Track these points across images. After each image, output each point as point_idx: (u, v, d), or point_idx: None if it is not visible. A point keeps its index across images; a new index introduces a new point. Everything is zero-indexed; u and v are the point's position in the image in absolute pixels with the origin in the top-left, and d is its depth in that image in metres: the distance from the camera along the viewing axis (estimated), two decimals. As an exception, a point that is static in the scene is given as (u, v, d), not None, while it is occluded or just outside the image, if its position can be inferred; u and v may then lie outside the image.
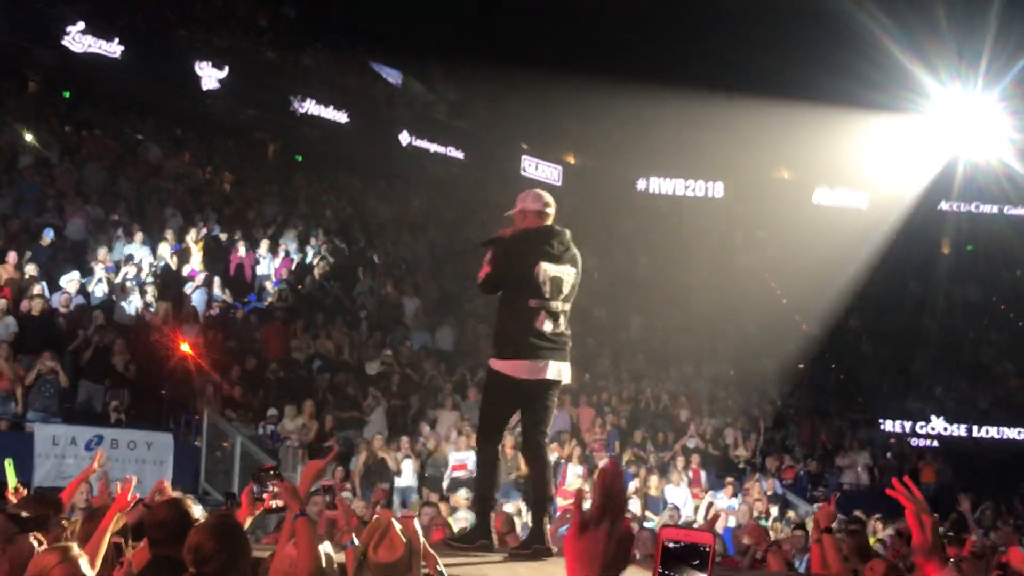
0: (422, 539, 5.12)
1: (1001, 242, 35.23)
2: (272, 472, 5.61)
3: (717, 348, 28.20)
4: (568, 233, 7.18)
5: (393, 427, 19.66)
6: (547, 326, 6.89)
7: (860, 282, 33.67)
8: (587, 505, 2.05)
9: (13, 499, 6.61)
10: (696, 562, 2.05)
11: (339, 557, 5.31)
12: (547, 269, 6.97)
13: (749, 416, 25.42)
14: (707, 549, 2.05)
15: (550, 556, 6.72)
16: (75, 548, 4.77)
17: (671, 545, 2.06)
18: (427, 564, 5.16)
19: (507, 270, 7.05)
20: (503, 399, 7.10)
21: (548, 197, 7.29)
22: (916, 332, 32.35)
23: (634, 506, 18.64)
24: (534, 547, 6.81)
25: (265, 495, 5.63)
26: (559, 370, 6.90)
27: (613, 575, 2.02)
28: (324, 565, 4.88)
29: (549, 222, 7.18)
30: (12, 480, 7.33)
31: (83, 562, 4.74)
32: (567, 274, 7.05)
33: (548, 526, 6.97)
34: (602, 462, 20.47)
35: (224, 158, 27.52)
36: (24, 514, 4.90)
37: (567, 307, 7.05)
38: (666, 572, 2.06)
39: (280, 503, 5.47)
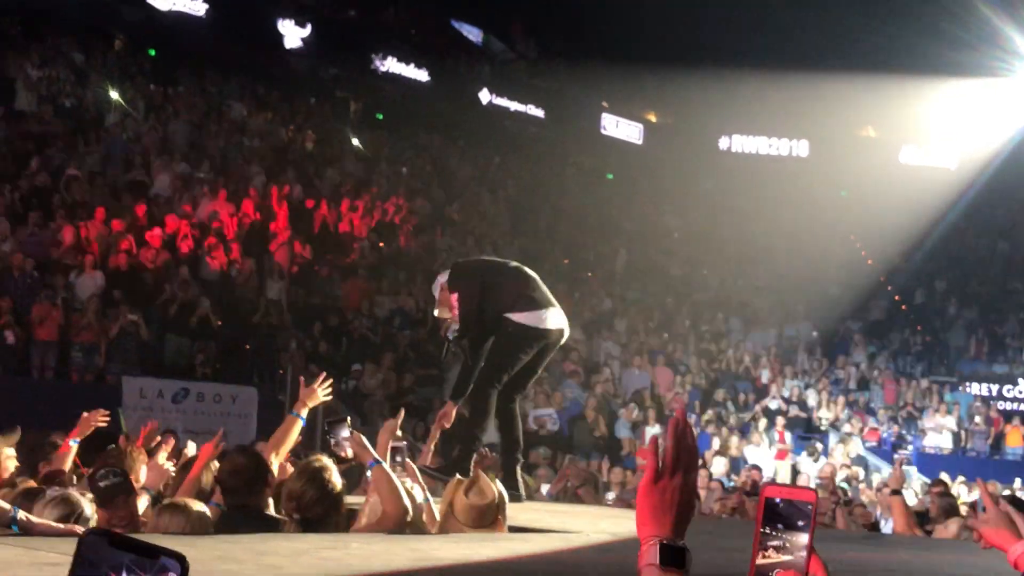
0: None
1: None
2: (341, 422, 5.64)
3: (799, 309, 27.85)
4: None
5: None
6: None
7: (947, 243, 33.06)
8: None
9: (123, 445, 6.75)
10: (800, 523, 1.99)
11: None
12: None
13: (833, 378, 25.16)
14: (810, 508, 1.99)
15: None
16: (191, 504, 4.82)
17: (776, 502, 2.00)
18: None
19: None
20: (521, 349, 7.47)
21: None
22: (1003, 293, 31.67)
23: (719, 465, 18.56)
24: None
25: (342, 443, 5.67)
26: (564, 322, 7.50)
27: (684, 528, 1.99)
28: (412, 511, 4.90)
29: None
30: (124, 427, 7.48)
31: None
32: None
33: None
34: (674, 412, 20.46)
35: (306, 116, 27.67)
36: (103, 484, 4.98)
37: None
38: (768, 531, 2.00)
39: (350, 453, 5.52)
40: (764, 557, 1.98)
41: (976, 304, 30.95)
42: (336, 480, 4.67)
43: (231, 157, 24.04)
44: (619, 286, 26.20)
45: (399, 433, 6.38)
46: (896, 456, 20.78)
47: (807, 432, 22.53)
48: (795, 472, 19.75)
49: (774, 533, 1.99)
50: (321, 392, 6.03)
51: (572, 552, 4.71)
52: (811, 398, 23.66)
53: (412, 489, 5.23)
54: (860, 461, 20.85)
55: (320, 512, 4.56)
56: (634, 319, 24.72)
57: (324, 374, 6.29)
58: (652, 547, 1.96)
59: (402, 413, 6.47)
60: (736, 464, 19.43)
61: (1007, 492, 14.23)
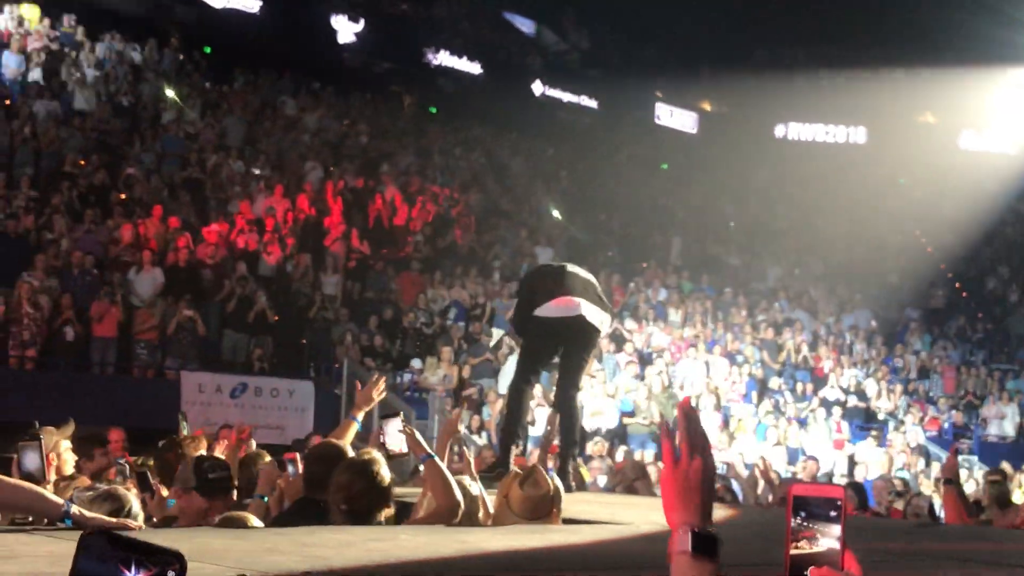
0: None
1: None
2: (394, 416, 5.70)
3: (857, 298, 27.58)
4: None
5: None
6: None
7: (1008, 228, 32.60)
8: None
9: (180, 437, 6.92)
10: (832, 513, 1.99)
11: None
12: None
13: (892, 367, 24.90)
14: (839, 503, 1.99)
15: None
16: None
17: (803, 499, 2.01)
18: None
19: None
20: (538, 341, 8.06)
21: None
22: (1066, 279, 31.21)
23: (778, 456, 18.44)
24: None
25: (385, 439, 5.72)
26: (580, 305, 7.73)
27: (710, 512, 2.00)
28: (464, 501, 4.94)
29: None
30: (186, 431, 7.64)
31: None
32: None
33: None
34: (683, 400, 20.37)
35: (360, 111, 27.83)
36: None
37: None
38: (800, 522, 2.00)
39: (402, 449, 5.58)
40: (796, 548, 1.99)
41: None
42: (385, 473, 4.71)
43: (286, 153, 24.24)
44: (675, 276, 26.08)
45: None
46: (951, 446, 20.58)
47: (866, 422, 22.32)
48: (852, 463, 19.59)
49: (805, 524, 2.00)
50: (376, 394, 6.14)
51: (620, 543, 4.72)
52: (870, 388, 23.43)
53: (466, 482, 5.27)
54: (920, 451, 20.64)
55: (367, 504, 4.61)
56: (690, 309, 24.61)
57: (377, 375, 6.41)
58: (684, 534, 1.96)
59: (461, 409, 6.62)
60: (794, 455, 19.30)
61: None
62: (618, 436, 18.62)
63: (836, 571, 1.96)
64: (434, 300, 21.44)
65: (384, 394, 6.42)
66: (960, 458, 18.39)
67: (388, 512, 4.77)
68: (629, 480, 10.86)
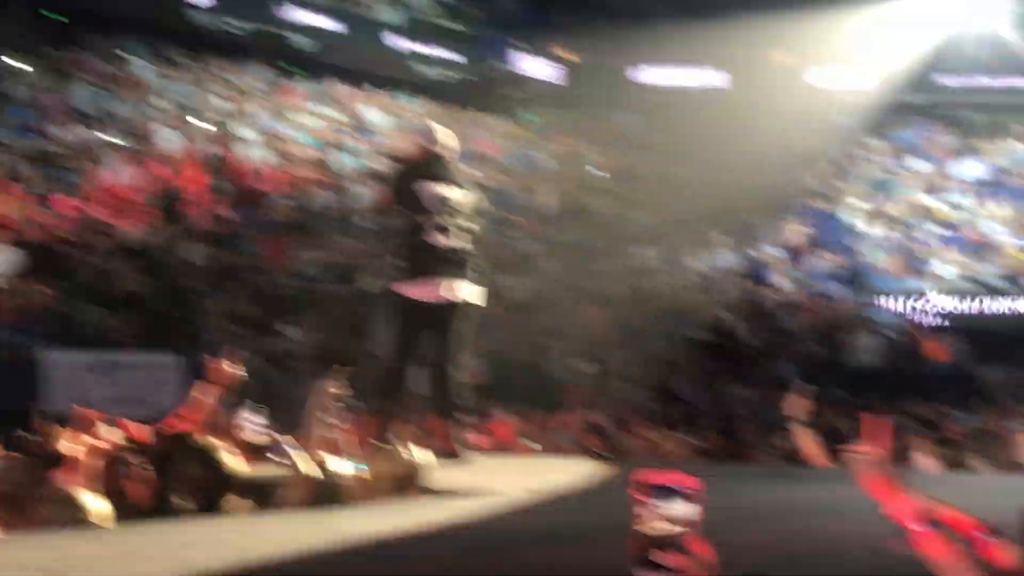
0: None
1: (1001, 115, 34.94)
2: (255, 407, 5.65)
3: (721, 240, 28.13)
4: (456, 164, 7.90)
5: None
6: (434, 239, 7.26)
7: (861, 162, 33.48)
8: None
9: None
10: (682, 499, 2.07)
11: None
12: (430, 187, 7.51)
13: (755, 304, 25.50)
14: (691, 490, 2.07)
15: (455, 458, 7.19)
16: None
17: (655, 484, 2.08)
18: None
19: (395, 195, 7.75)
20: (406, 320, 7.58)
21: (437, 134, 7.91)
22: (918, 210, 32.22)
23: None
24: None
25: (247, 431, 5.67)
26: (455, 288, 7.22)
27: None
28: (324, 488, 4.96)
29: (437, 152, 7.80)
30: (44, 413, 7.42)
31: None
32: (455, 193, 7.59)
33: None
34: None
35: (216, 73, 27.25)
36: None
37: (457, 223, 7.54)
38: (652, 501, 2.08)
39: (260, 439, 5.53)
40: (647, 526, 2.06)
41: (891, 222, 31.47)
42: (228, 460, 4.69)
43: (142, 120, 23.66)
44: (544, 227, 26.25)
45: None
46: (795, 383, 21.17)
47: (735, 361, 22.88)
48: (721, 402, 20.06)
49: (657, 504, 2.07)
50: (233, 371, 6.05)
51: (489, 518, 4.79)
52: (736, 326, 24.01)
53: (328, 461, 5.27)
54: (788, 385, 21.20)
55: (214, 492, 4.58)
56: (561, 259, 24.83)
57: (236, 352, 6.34)
58: None
59: (333, 377, 6.57)
60: (666, 398, 19.72)
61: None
62: (491, 393, 18.73)
63: (683, 554, 2.04)
64: (302, 262, 21.22)
65: (244, 373, 6.31)
66: (826, 390, 18.92)
67: (237, 497, 4.73)
68: (505, 442, 11.00)
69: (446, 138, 7.87)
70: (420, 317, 7.47)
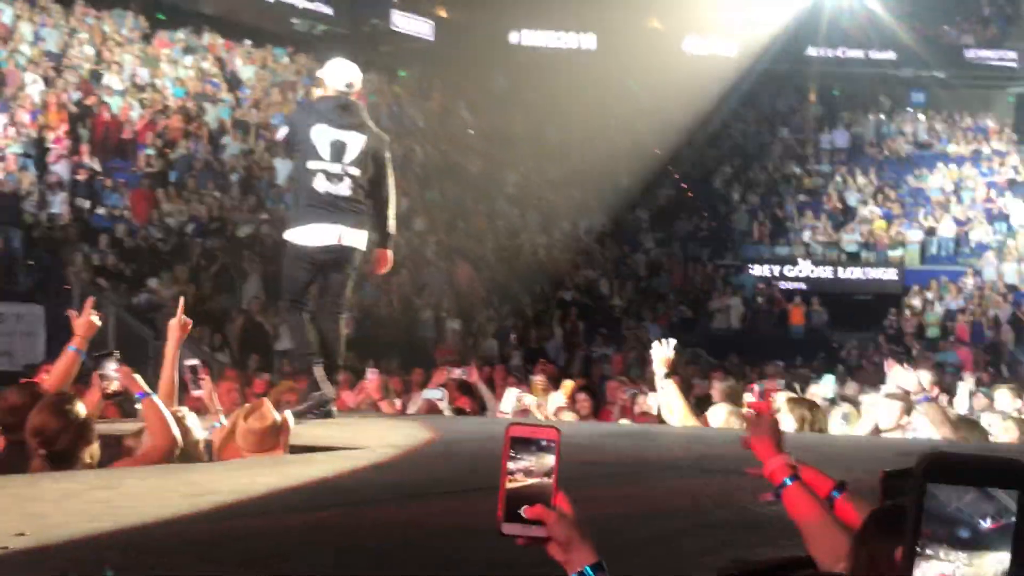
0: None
1: (866, 86, 35.89)
2: (108, 356, 5.52)
3: (591, 202, 28.43)
4: (360, 105, 7.47)
5: (270, 291, 19.55)
6: (324, 186, 7.07)
7: (729, 130, 34.11)
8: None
9: None
10: (547, 453, 2.11)
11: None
12: (325, 132, 7.13)
13: (623, 266, 25.89)
14: (554, 443, 2.10)
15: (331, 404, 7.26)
16: None
17: (520, 439, 2.11)
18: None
19: (289, 136, 7.51)
20: (295, 267, 7.38)
21: (344, 72, 7.45)
22: (785, 178, 33.03)
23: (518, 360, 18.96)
24: (319, 401, 7.18)
25: (104, 381, 5.55)
26: (340, 235, 7.12)
27: None
28: (183, 442, 4.91)
29: (343, 92, 7.38)
30: None
31: None
32: (352, 139, 7.17)
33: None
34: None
35: (82, 19, 26.38)
36: None
37: (356, 172, 7.18)
38: (515, 455, 2.11)
39: (118, 387, 5.42)
40: (512, 481, 2.10)
41: (758, 189, 32.21)
42: (80, 409, 4.62)
43: (2, 64, 22.84)
44: (416, 185, 26.18)
45: (195, 361, 6.33)
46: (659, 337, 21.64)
47: (600, 320, 23.22)
48: (588, 362, 20.35)
49: (521, 463, 2.11)
50: (95, 318, 5.92)
51: (353, 474, 4.82)
52: (603, 286, 24.34)
53: (186, 419, 5.21)
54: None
55: (67, 444, 4.50)
56: (432, 217, 24.82)
57: (92, 299, 6.21)
58: None
59: (189, 323, 6.40)
60: (533, 356, 19.92)
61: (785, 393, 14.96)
62: (362, 348, 18.70)
63: (548, 508, 2.09)
64: (169, 215, 20.84)
65: (96, 319, 6.12)
66: (689, 349, 19.29)
67: (92, 449, 4.66)
68: (375, 400, 10.98)
69: (344, 77, 7.40)
70: (306, 264, 7.31)
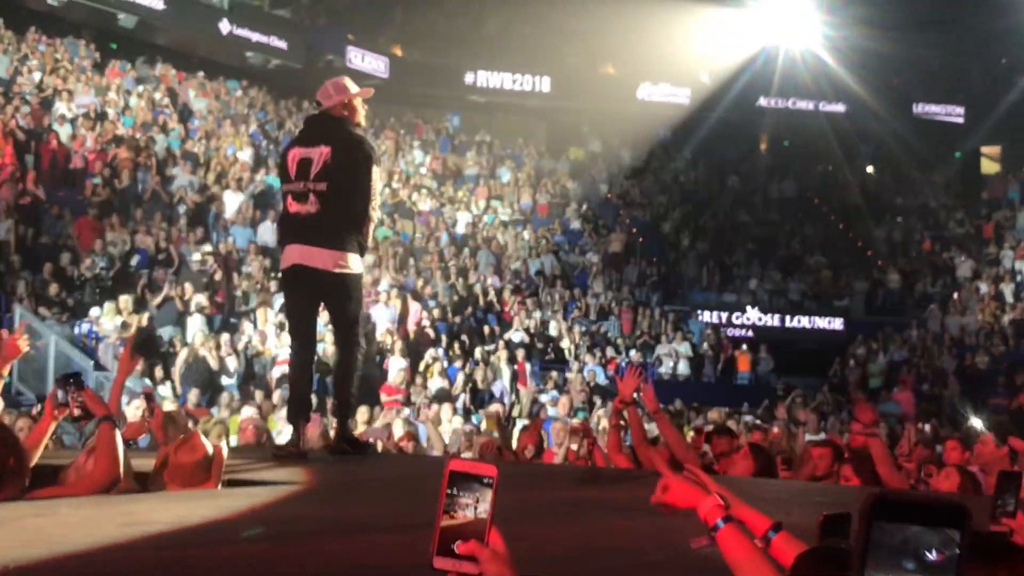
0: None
1: (816, 138, 36.35)
2: (74, 380, 5.45)
3: (542, 242, 28.51)
4: (337, 119, 7.13)
5: (214, 324, 19.41)
6: (293, 207, 6.95)
7: (681, 177, 34.42)
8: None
9: None
10: (484, 489, 2.10)
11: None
12: (295, 154, 7.00)
13: (574, 309, 25.92)
14: (491, 480, 2.10)
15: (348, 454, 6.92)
16: None
17: (459, 475, 2.10)
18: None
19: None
20: (286, 297, 7.57)
21: (322, 90, 7.29)
22: (733, 226, 33.34)
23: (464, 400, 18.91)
24: (337, 446, 7.03)
25: (70, 402, 5.49)
26: (302, 254, 6.85)
27: None
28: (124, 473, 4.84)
29: (317, 110, 7.32)
30: None
31: None
32: (315, 154, 6.91)
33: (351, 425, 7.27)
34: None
35: (33, 46, 26.21)
36: None
37: (322, 187, 6.86)
38: (453, 490, 2.10)
39: (80, 412, 5.34)
40: (448, 516, 2.09)
41: (707, 236, 32.47)
42: (10, 435, 4.54)
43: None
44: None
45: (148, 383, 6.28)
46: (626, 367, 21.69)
47: (548, 362, 23.20)
48: (536, 403, 20.32)
49: (458, 499, 2.09)
50: (23, 345, 5.82)
51: (284, 504, 4.76)
52: (552, 329, 24.34)
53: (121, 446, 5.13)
54: (599, 390, 21.63)
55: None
56: (382, 255, 24.74)
57: (24, 323, 6.14)
58: None
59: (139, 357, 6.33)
60: (482, 397, 19.87)
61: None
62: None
63: (481, 544, 2.07)
64: (114, 244, 20.63)
65: (30, 346, 6.04)
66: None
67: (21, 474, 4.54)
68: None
69: (320, 94, 7.23)
70: (288, 291, 7.31)
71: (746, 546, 2.93)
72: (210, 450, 5.01)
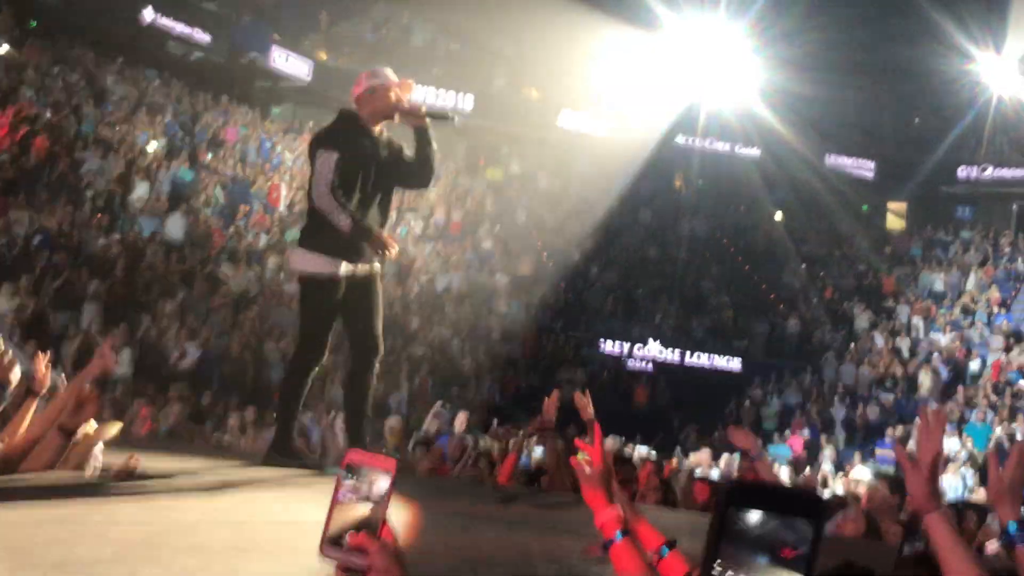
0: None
1: (729, 180, 36.87)
2: None
3: (451, 260, 28.47)
4: (338, 115, 7.06)
5: (112, 314, 19.01)
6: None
7: (596, 207, 34.64)
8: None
9: None
10: (382, 482, 2.08)
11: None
12: None
13: (477, 328, 25.91)
14: (390, 474, 2.07)
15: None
16: None
17: (357, 466, 2.08)
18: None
19: None
20: None
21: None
22: (643, 260, 33.65)
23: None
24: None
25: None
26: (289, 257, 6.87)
27: None
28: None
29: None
30: None
31: None
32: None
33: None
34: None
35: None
36: None
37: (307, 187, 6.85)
38: (349, 477, 2.08)
39: None
40: (341, 505, 2.05)
41: (616, 268, 32.73)
42: None
43: None
44: (278, 223, 25.88)
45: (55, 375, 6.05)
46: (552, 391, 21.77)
47: (449, 379, 23.19)
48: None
49: (355, 490, 2.06)
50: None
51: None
52: (455, 346, 24.32)
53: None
54: (498, 411, 21.61)
55: None
56: (288, 256, 24.51)
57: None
58: None
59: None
60: (385, 410, 19.74)
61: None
62: (203, 384, 18.32)
63: (372, 537, 2.03)
64: (18, 222, 20.12)
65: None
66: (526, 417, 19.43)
67: None
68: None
69: (353, 87, 7.04)
70: None
71: (637, 563, 2.94)
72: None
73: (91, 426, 5.04)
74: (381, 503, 2.07)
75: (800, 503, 1.60)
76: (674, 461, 15.51)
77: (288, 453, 6.67)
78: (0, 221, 19.75)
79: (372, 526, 2.06)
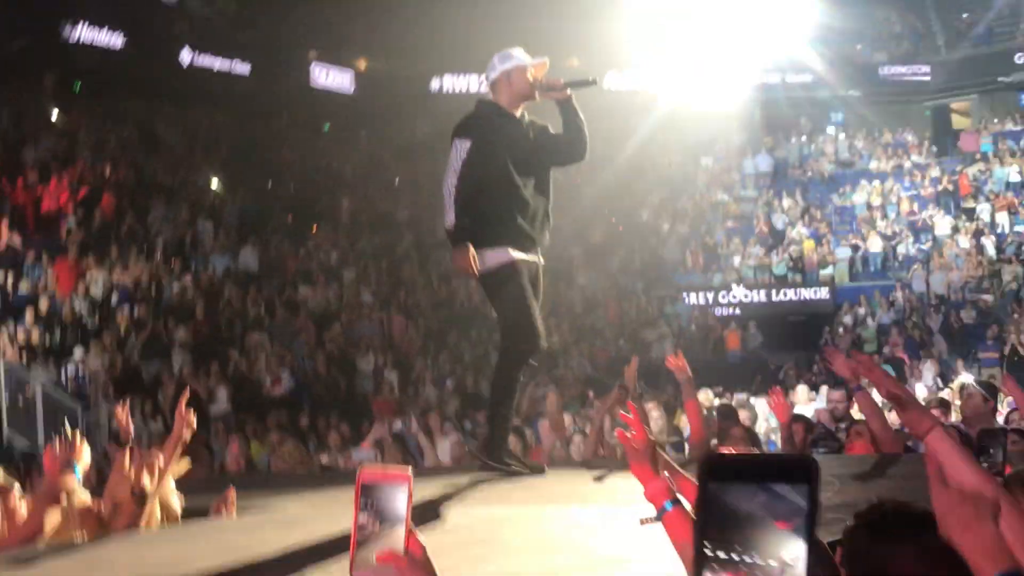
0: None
1: (785, 110, 36.34)
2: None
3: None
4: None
5: (201, 354, 19.38)
6: None
7: (655, 162, 34.36)
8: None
9: None
10: (399, 495, 2.11)
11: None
12: None
13: (558, 303, 25.90)
14: (406, 486, 2.10)
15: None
16: None
17: (371, 485, 2.11)
18: None
19: None
20: None
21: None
22: (710, 206, 33.33)
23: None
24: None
25: None
26: None
27: None
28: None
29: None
30: None
31: None
32: None
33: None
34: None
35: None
36: None
37: None
38: (366, 501, 2.11)
39: None
40: (363, 529, 2.09)
41: (686, 218, 32.47)
42: None
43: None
44: (346, 236, 26.12)
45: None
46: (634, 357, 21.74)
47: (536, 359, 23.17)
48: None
49: (373, 509, 2.10)
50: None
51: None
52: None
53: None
54: (591, 383, 21.62)
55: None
56: (363, 268, 24.74)
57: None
58: None
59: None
60: (472, 401, 19.86)
61: (720, 402, 15.03)
62: (299, 406, 18.59)
63: (399, 552, 2.08)
64: (94, 283, 20.58)
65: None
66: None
67: None
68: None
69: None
70: None
71: (688, 529, 2.96)
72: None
73: (152, 477, 5.14)
74: (402, 516, 2.10)
75: (787, 468, 1.48)
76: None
77: (499, 458, 6.36)
78: (79, 285, 20.21)
79: (397, 540, 2.10)
